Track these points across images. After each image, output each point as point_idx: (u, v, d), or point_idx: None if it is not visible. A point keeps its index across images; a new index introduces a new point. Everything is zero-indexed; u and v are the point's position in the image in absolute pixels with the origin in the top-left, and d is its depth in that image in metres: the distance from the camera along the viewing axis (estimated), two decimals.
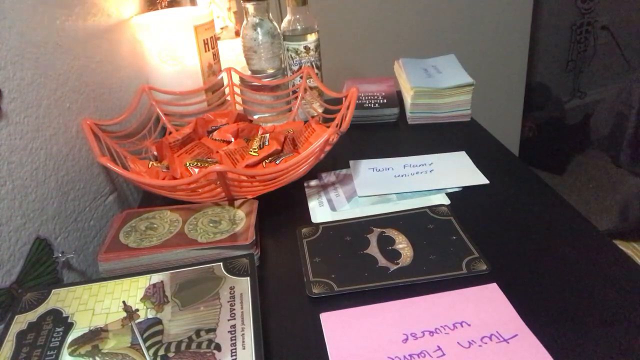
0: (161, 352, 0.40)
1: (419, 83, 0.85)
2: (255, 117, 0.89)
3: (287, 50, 0.88)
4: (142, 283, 0.48)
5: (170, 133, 0.80)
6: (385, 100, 0.89)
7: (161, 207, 0.62)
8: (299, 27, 0.86)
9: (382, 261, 0.53)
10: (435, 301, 0.47)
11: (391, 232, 0.57)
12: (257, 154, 0.70)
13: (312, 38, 0.87)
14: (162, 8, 0.95)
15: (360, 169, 0.72)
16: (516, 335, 0.43)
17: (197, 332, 0.42)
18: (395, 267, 0.52)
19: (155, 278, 0.48)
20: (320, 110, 0.85)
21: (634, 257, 0.66)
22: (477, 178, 0.67)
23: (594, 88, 2.57)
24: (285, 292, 0.51)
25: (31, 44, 0.55)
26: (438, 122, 0.86)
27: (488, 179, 0.66)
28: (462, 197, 0.64)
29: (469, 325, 0.44)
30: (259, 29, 0.85)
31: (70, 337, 0.42)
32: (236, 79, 0.89)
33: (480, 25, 1.61)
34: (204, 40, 0.84)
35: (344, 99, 0.71)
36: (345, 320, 0.46)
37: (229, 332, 0.41)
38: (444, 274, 0.50)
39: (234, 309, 0.44)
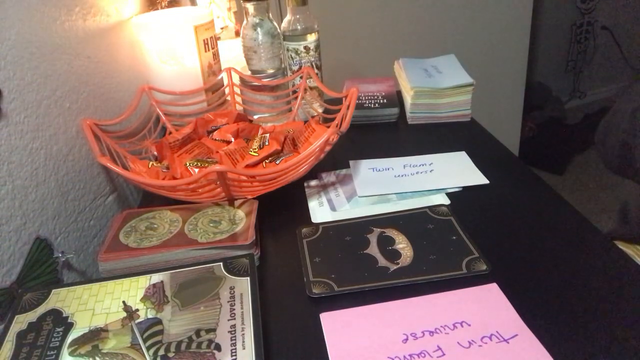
0: (161, 352, 0.40)
1: (419, 83, 0.85)
2: (255, 117, 0.89)
3: (287, 50, 0.88)
4: (142, 283, 0.48)
5: (170, 133, 0.80)
6: (385, 100, 0.89)
7: (161, 207, 0.62)
8: (299, 27, 0.86)
9: (382, 261, 0.53)
10: (435, 301, 0.47)
11: (391, 232, 0.57)
12: (257, 154, 0.70)
13: (312, 38, 0.87)
14: (162, 8, 0.95)
15: (360, 169, 0.72)
16: (516, 335, 0.42)
17: (197, 332, 0.42)
18: (395, 267, 0.52)
19: (155, 278, 0.48)
20: (320, 110, 0.85)
21: (634, 257, 0.66)
22: (477, 178, 0.67)
23: (593, 88, 2.57)
24: (285, 292, 0.51)
25: (31, 44, 0.55)
26: (438, 122, 0.86)
27: (488, 179, 0.66)
28: (462, 197, 0.64)
29: (469, 325, 0.44)
30: (259, 29, 0.85)
31: (70, 337, 0.42)
32: (236, 79, 0.89)
33: (480, 25, 1.61)
34: (204, 40, 0.84)
35: (344, 99, 0.71)
36: (345, 320, 0.46)
37: (229, 332, 0.41)
38: (444, 274, 0.50)
39: (234, 309, 0.44)
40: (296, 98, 0.86)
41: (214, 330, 0.42)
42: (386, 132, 0.85)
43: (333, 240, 0.57)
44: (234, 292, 0.46)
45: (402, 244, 0.55)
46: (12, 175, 0.50)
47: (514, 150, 1.89)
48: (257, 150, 0.71)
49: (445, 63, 0.95)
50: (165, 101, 0.83)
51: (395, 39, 1.56)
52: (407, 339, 0.43)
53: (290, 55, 0.88)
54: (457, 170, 0.69)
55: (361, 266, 0.52)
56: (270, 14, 0.87)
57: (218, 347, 0.40)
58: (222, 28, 1.31)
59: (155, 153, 0.75)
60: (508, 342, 0.42)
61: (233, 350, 0.40)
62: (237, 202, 0.61)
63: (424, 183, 0.67)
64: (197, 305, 0.45)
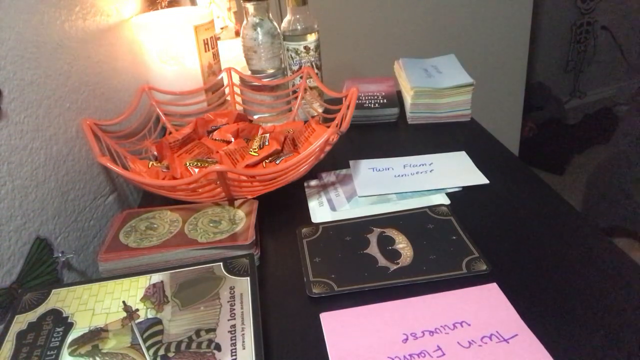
0: (161, 352, 0.40)
1: (419, 83, 0.85)
2: (255, 117, 0.89)
3: (287, 50, 0.88)
4: (142, 283, 0.48)
5: (170, 133, 0.80)
6: (385, 100, 0.89)
7: (161, 207, 0.62)
8: (299, 27, 0.86)
9: (382, 261, 0.53)
10: (435, 301, 0.47)
11: (391, 232, 0.57)
12: (257, 154, 0.70)
13: (312, 38, 0.87)
14: (162, 8, 0.95)
15: (360, 169, 0.72)
16: (516, 335, 0.43)
17: (197, 332, 0.42)
18: (395, 267, 0.52)
19: (155, 278, 0.48)
20: (320, 110, 0.85)
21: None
22: (477, 178, 0.67)
23: (593, 88, 2.57)
24: (285, 292, 0.51)
25: (31, 44, 0.55)
26: (438, 122, 0.86)
27: (488, 179, 0.66)
28: (462, 197, 0.64)
29: (469, 325, 0.44)
30: (259, 29, 0.85)
31: (70, 337, 0.42)
32: (236, 79, 0.89)
33: (480, 25, 1.61)
34: (204, 40, 0.84)
35: (344, 99, 0.71)
36: (345, 320, 0.46)
37: (229, 332, 0.41)
38: (444, 274, 0.50)
39: (234, 309, 0.44)
40: (296, 98, 0.86)
41: (214, 330, 0.42)
42: (386, 132, 0.85)
43: (333, 240, 0.57)
44: (234, 292, 0.46)
45: (402, 244, 0.55)
46: (12, 175, 0.50)
47: (514, 150, 1.89)
48: (257, 150, 0.71)
49: (445, 63, 0.95)
50: (165, 101, 0.83)
51: (395, 39, 1.56)
52: (407, 339, 0.43)
53: (290, 55, 0.88)
54: (457, 170, 0.69)
55: (361, 266, 0.52)
56: (270, 14, 0.87)
57: (218, 347, 0.40)
58: (222, 28, 1.31)
59: (155, 153, 0.75)
60: (508, 342, 0.42)
61: (233, 350, 0.40)
62: (237, 202, 0.61)
63: (423, 183, 0.67)
64: (197, 305, 0.45)
